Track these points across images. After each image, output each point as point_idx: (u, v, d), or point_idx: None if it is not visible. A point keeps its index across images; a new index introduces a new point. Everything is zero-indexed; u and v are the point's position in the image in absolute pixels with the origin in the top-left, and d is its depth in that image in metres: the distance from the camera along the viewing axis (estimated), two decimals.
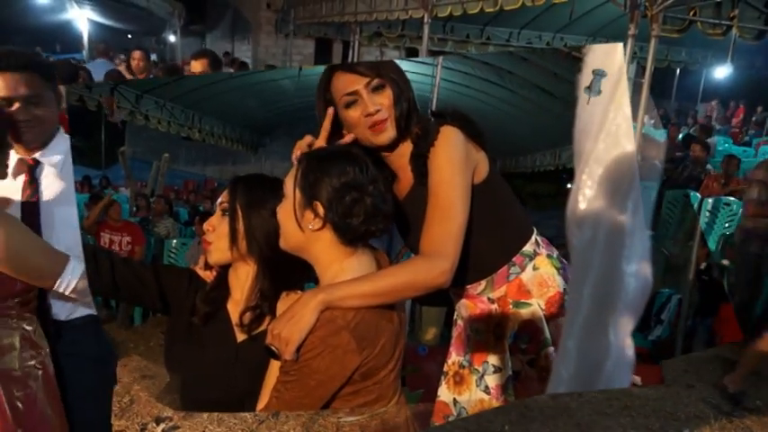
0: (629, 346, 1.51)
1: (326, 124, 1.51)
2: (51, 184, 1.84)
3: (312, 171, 1.34)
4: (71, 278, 1.71)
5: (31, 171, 1.83)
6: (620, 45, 1.56)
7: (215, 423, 3.31)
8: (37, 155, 1.84)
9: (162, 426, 3.29)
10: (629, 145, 1.52)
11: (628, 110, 1.52)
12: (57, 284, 1.70)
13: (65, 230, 1.81)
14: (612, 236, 1.54)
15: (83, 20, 13.32)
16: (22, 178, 1.83)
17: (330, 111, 1.51)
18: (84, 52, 12.25)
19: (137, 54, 5.03)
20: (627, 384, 1.59)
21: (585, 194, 1.54)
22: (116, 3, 13.02)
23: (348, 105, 1.49)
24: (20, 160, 1.83)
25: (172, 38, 13.61)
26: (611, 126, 1.52)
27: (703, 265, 4.47)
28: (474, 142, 1.54)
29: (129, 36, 14.91)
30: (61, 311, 1.86)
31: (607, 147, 1.52)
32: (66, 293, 1.72)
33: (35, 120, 1.78)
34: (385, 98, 1.49)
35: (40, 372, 1.73)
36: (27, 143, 1.81)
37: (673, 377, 4.14)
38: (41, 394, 1.72)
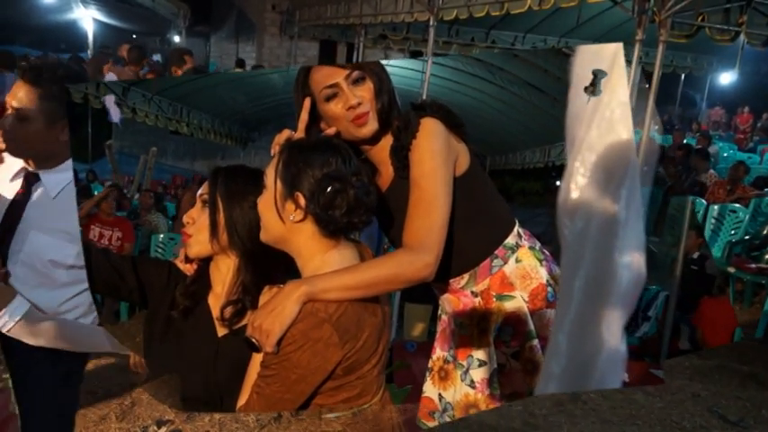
0: (621, 341, 1.47)
1: (304, 116, 1.49)
2: (39, 204, 1.81)
3: (294, 161, 1.31)
4: (8, 319, 1.66)
5: (28, 182, 1.82)
6: (619, 45, 1.53)
7: (216, 427, 3.29)
8: (40, 171, 1.82)
9: (163, 429, 3.27)
10: (624, 132, 1.47)
11: (624, 96, 1.48)
12: None
13: (33, 256, 1.78)
14: (605, 226, 1.49)
15: (88, 20, 13.38)
16: (19, 183, 1.82)
17: (307, 102, 1.49)
18: (89, 52, 12.27)
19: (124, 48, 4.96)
20: (620, 381, 1.55)
21: (578, 183, 1.49)
22: (121, 3, 13.08)
23: (328, 99, 1.47)
24: (23, 168, 1.83)
25: (176, 38, 13.64)
26: (606, 111, 1.47)
27: (696, 255, 4.41)
28: (454, 133, 1.52)
29: (134, 36, 14.96)
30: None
31: (601, 133, 1.48)
32: (3, 331, 1.67)
33: (16, 134, 1.75)
34: (366, 91, 1.47)
35: None
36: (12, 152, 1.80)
37: (678, 386, 4.09)
38: None
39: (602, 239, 1.49)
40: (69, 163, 1.83)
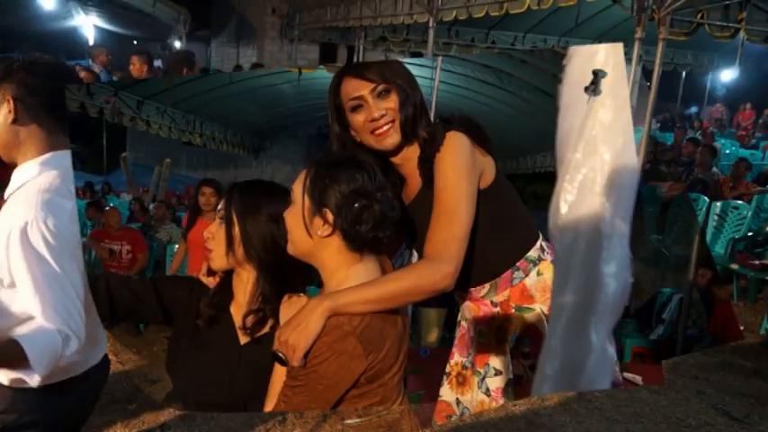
0: (610, 345, 1.56)
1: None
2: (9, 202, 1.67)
3: (321, 178, 1.34)
4: None
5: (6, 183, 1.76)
6: (601, 46, 1.59)
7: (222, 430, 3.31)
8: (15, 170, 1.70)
9: None
10: (606, 152, 1.58)
11: (605, 117, 1.57)
12: None
13: None
14: (592, 239, 1.59)
15: (89, 26, 13.42)
16: None
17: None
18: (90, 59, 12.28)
19: (135, 59, 4.88)
20: (609, 382, 1.64)
21: (566, 199, 1.60)
22: (122, 9, 13.10)
23: (354, 109, 1.51)
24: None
25: (177, 44, 13.64)
26: (589, 134, 1.58)
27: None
28: (481, 147, 1.55)
29: (135, 42, 14.97)
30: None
31: (585, 154, 1.59)
32: None
33: None
34: (391, 102, 1.50)
35: None
36: None
37: (683, 383, 4.10)
38: None
39: (589, 252, 1.58)
40: (31, 162, 1.65)
